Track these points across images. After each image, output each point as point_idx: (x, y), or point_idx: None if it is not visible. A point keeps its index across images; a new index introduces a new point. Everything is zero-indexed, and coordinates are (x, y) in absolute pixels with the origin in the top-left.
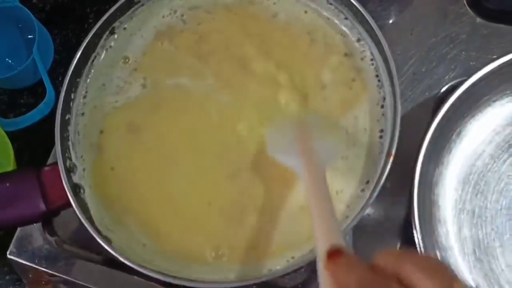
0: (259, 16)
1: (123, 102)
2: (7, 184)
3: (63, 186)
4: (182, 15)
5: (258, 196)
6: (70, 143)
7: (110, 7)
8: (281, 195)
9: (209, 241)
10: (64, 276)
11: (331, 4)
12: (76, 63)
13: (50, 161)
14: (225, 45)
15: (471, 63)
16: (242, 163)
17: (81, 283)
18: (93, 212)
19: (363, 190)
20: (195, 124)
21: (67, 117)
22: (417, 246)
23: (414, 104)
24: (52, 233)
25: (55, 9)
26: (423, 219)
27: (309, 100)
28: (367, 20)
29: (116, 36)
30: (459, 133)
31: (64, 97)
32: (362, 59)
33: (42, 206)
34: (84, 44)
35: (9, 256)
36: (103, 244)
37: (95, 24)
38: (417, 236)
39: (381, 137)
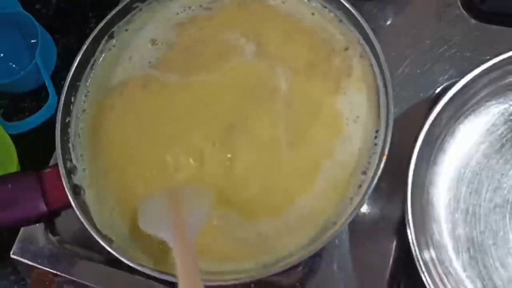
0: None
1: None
2: (9, 186)
3: (64, 187)
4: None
5: None
6: (70, 145)
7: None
8: None
9: None
10: (66, 276)
11: (325, 7)
12: (76, 67)
13: (51, 163)
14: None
15: (465, 64)
16: None
17: (83, 282)
18: (93, 212)
19: (360, 186)
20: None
21: (67, 120)
22: (411, 244)
23: (409, 104)
24: (55, 233)
25: (58, 15)
26: (417, 218)
27: None
28: (360, 23)
29: (115, 40)
30: (452, 133)
31: (64, 100)
32: (355, 59)
33: (43, 207)
34: (84, 48)
35: (12, 256)
36: (102, 243)
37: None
38: (411, 234)
39: (375, 137)
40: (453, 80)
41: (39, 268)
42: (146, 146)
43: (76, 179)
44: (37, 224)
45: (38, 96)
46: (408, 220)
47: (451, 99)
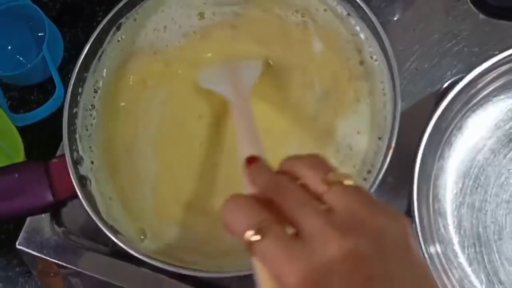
0: None
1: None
2: (16, 176)
3: (70, 178)
4: None
5: None
6: (77, 136)
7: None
8: None
9: None
10: (72, 267)
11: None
12: (84, 58)
13: (58, 154)
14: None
15: (473, 59)
16: None
17: (88, 273)
18: (99, 202)
19: (365, 179)
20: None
21: (74, 111)
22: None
23: (416, 99)
24: (60, 224)
25: (65, 8)
26: (423, 212)
27: None
28: (369, 16)
29: (122, 31)
30: (460, 128)
31: (71, 91)
32: (363, 53)
33: (50, 197)
34: (91, 39)
35: (18, 247)
36: (109, 234)
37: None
38: (417, 228)
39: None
40: (460, 75)
41: (44, 259)
42: (156, 135)
43: (82, 170)
44: (43, 215)
45: (45, 89)
46: (414, 214)
47: (458, 93)
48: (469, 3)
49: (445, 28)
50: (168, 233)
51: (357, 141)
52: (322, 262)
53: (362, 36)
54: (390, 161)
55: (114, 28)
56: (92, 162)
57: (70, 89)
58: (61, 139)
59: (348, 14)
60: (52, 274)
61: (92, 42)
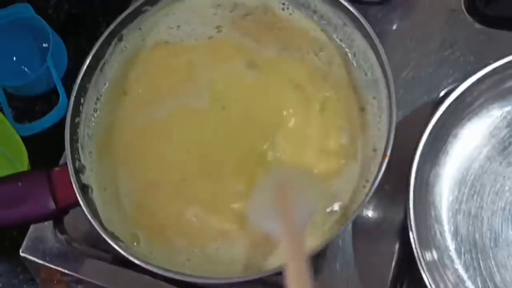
0: None
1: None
2: (19, 184)
3: (72, 186)
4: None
5: None
6: (79, 145)
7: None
8: None
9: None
10: (74, 274)
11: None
12: (86, 68)
13: (62, 163)
14: None
15: (468, 67)
16: None
17: (90, 281)
18: (100, 210)
19: (363, 187)
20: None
21: (76, 120)
22: (413, 245)
23: (413, 107)
24: (63, 232)
25: (69, 20)
26: (419, 219)
27: None
28: (364, 25)
29: (125, 42)
30: (455, 135)
31: (74, 101)
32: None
33: (52, 205)
34: (94, 50)
35: (21, 254)
36: (110, 241)
37: None
38: (413, 236)
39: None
40: (457, 84)
41: (47, 266)
42: (158, 145)
43: (84, 178)
44: (46, 223)
45: (49, 99)
46: (410, 221)
47: (454, 101)
48: (465, 12)
49: (441, 37)
50: (166, 240)
51: None
52: None
53: (357, 44)
54: (387, 169)
55: (115, 39)
56: (92, 170)
57: (72, 99)
58: (64, 147)
59: (344, 24)
60: (55, 281)
61: (94, 53)
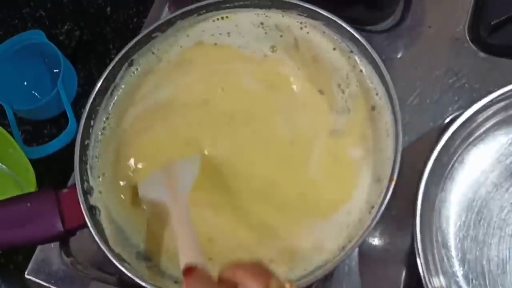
0: None
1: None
2: (28, 204)
3: (80, 208)
4: None
5: None
6: (88, 166)
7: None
8: None
9: None
10: None
11: (336, 39)
12: (97, 92)
13: (69, 184)
14: None
15: (473, 95)
16: None
17: None
18: (107, 232)
19: (369, 212)
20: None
21: (86, 143)
22: (421, 271)
23: (419, 133)
24: (69, 254)
25: (80, 46)
26: (426, 245)
27: None
28: (370, 53)
29: (135, 67)
30: (461, 161)
31: (84, 123)
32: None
33: (60, 226)
34: (104, 75)
35: (27, 276)
36: (117, 264)
37: None
38: (420, 261)
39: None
40: (462, 110)
41: None
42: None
43: (92, 200)
44: (52, 245)
45: (58, 123)
46: (417, 246)
47: (459, 127)
48: (469, 41)
49: (446, 65)
50: (171, 262)
51: None
52: None
53: (364, 72)
54: (393, 194)
55: (126, 64)
56: (100, 192)
57: (82, 121)
58: (72, 170)
59: (351, 51)
60: None
61: (105, 77)
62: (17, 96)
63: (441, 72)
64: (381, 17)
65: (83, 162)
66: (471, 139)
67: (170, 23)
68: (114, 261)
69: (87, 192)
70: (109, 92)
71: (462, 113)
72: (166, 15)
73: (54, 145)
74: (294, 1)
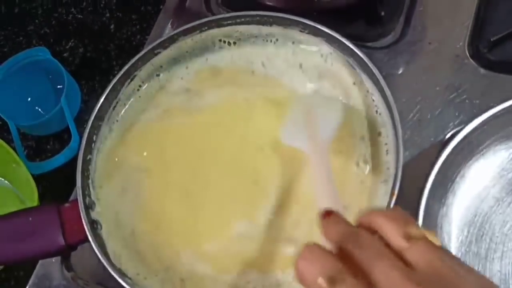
0: None
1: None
2: (30, 219)
3: (82, 222)
4: None
5: None
6: (90, 181)
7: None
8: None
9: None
10: None
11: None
12: (100, 107)
13: (71, 199)
14: None
15: (474, 110)
16: None
17: None
18: (108, 247)
19: None
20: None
21: (88, 157)
22: None
23: (420, 149)
24: (69, 269)
25: (84, 62)
26: None
27: None
28: (371, 69)
29: (136, 82)
30: (462, 176)
31: (86, 139)
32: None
33: (61, 240)
34: (107, 91)
35: None
36: (118, 278)
37: None
38: None
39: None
40: (463, 126)
41: None
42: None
43: (94, 214)
44: (53, 260)
45: (61, 138)
46: None
47: (460, 142)
48: (469, 58)
49: (447, 81)
50: (175, 276)
51: None
52: None
53: (365, 87)
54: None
55: (128, 80)
56: (101, 206)
57: (85, 136)
58: (74, 184)
59: (352, 67)
60: None
61: (108, 93)
62: (21, 111)
63: (441, 88)
64: (381, 34)
65: (85, 177)
66: (472, 154)
67: (172, 40)
68: (115, 276)
69: (89, 207)
70: (111, 107)
71: (463, 128)
72: (168, 32)
73: (56, 161)
74: (295, 18)
